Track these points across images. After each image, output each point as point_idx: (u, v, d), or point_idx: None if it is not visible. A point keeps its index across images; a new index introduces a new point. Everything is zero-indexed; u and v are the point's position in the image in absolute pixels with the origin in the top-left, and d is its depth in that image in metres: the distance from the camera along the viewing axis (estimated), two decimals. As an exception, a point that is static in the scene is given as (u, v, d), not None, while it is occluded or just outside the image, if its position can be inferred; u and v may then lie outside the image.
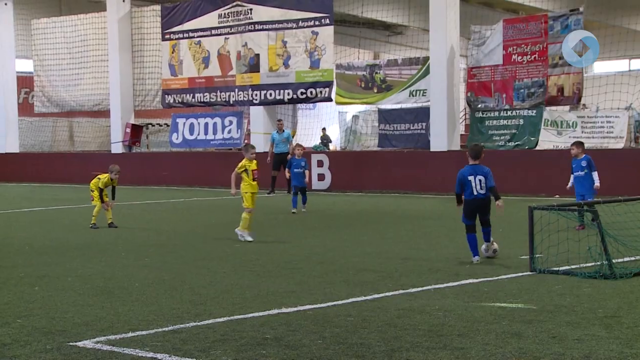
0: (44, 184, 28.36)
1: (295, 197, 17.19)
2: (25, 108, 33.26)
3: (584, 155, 13.64)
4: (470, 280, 8.71)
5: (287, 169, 18.24)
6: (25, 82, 32.97)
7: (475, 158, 10.44)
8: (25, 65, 32.68)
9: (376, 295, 7.96)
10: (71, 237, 13.17)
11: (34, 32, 30.96)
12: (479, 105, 22.58)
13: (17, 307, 7.57)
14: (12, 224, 15.68)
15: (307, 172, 17.63)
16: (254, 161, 12.70)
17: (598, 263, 8.84)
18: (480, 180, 10.28)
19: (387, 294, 8.05)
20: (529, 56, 21.61)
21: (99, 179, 14.73)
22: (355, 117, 29.00)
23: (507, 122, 22.12)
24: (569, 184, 13.76)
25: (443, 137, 22.07)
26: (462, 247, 11.46)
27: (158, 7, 27.74)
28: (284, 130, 22.80)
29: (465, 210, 10.38)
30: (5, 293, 8.28)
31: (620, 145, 20.85)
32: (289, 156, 20.12)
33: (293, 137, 28.27)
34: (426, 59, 23.91)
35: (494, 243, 10.33)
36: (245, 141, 26.65)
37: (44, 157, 31.69)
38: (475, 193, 10.24)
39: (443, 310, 7.25)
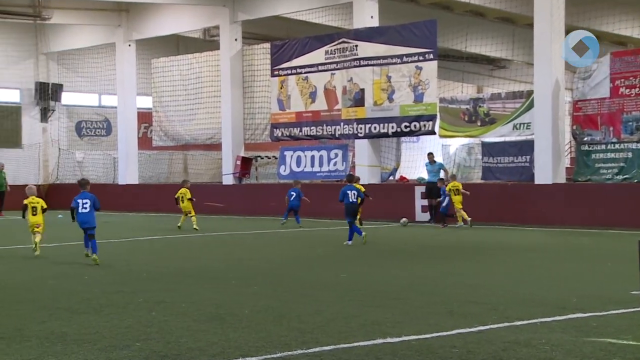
0: (161, 213, 29.23)
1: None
2: (144, 142, 34.56)
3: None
4: (578, 315, 8.40)
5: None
6: (144, 118, 34.28)
7: (349, 181, 17.50)
8: (145, 102, 33.99)
9: (481, 327, 7.79)
10: (185, 265, 13.51)
11: (154, 70, 32.21)
12: (585, 139, 21.94)
13: (136, 331, 7.79)
14: (132, 252, 16.23)
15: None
16: None
17: None
18: (353, 193, 16.67)
19: (492, 326, 7.86)
20: (637, 89, 20.89)
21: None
22: (471, 149, 28.81)
23: (615, 155, 21.38)
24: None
25: (548, 170, 21.54)
26: (569, 280, 11.11)
27: (268, 45, 28.37)
28: (435, 162, 23.67)
29: (345, 212, 16.65)
30: (126, 317, 8.54)
31: None
32: (440, 184, 22.30)
33: (397, 169, 28.22)
34: (530, 92, 23.48)
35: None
36: (350, 172, 26.78)
37: (161, 188, 32.71)
38: (350, 200, 16.61)
39: (550, 344, 7.02)
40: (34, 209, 14.90)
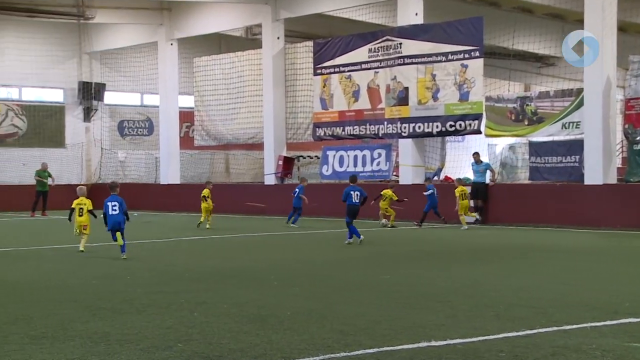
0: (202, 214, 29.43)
1: None
2: (186, 141, 34.92)
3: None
4: (631, 319, 8.26)
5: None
6: (186, 117, 34.63)
7: (353, 182, 17.23)
8: (187, 101, 34.33)
9: (529, 331, 7.71)
10: (227, 265, 13.61)
11: (196, 69, 32.51)
12: (638, 138, 21.55)
13: (178, 332, 7.87)
14: (174, 252, 16.41)
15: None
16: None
17: None
18: (357, 194, 16.73)
19: (540, 330, 7.78)
20: (692, 86, 20.47)
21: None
22: (512, 148, 28.61)
23: (669, 154, 20.98)
24: None
25: (598, 170, 21.21)
26: (620, 284, 10.92)
27: (310, 43, 28.42)
28: (481, 162, 23.70)
29: (347, 212, 16.85)
30: (167, 317, 8.64)
31: None
32: (492, 183, 22.99)
33: (442, 169, 28.09)
34: (580, 90, 23.15)
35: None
36: (394, 174, 26.70)
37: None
38: (354, 201, 16.72)
39: (601, 349, 6.91)
40: (81, 209, 15.32)
